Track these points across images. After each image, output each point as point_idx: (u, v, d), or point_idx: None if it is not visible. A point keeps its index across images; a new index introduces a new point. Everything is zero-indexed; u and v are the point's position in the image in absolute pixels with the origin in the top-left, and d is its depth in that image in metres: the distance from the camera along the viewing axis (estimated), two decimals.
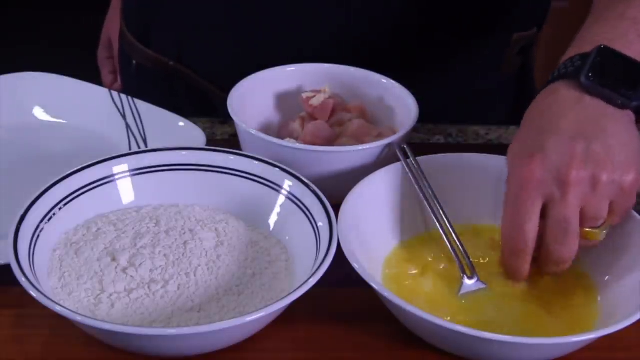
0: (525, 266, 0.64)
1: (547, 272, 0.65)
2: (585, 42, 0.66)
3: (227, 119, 0.87)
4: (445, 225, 0.68)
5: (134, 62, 1.01)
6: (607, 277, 0.67)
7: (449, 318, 0.62)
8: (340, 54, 0.85)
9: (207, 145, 0.78)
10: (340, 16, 0.87)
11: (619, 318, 0.59)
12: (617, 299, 0.64)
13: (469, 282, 0.65)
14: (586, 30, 0.69)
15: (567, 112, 0.63)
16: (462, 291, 0.65)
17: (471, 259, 0.67)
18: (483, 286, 0.66)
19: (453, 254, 0.66)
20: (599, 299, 0.66)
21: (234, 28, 0.91)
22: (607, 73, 0.63)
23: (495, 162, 0.71)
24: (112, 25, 1.12)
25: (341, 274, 0.61)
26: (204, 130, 0.82)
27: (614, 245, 0.67)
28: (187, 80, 0.96)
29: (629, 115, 0.64)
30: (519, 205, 0.62)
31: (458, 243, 0.67)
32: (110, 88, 0.91)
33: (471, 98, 0.95)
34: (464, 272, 0.66)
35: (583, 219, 0.62)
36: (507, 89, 1.01)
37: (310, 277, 0.59)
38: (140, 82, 1.01)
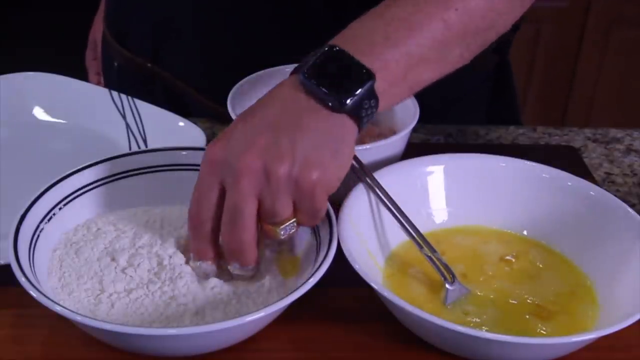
0: (205, 247, 0.63)
1: (229, 264, 0.63)
2: (341, 36, 0.64)
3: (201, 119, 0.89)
4: (418, 235, 0.67)
5: (116, 63, 1.01)
6: (606, 278, 0.67)
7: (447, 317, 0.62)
8: None
9: (207, 145, 0.78)
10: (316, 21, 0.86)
11: (619, 318, 0.59)
12: (617, 299, 0.64)
13: (451, 288, 0.65)
14: (355, 22, 0.65)
15: (276, 102, 0.62)
16: (449, 300, 0.65)
17: (447, 263, 0.66)
18: (466, 291, 0.65)
19: (430, 262, 0.66)
20: (599, 299, 0.66)
21: (203, 29, 0.91)
22: (327, 73, 0.61)
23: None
24: (98, 27, 1.12)
25: (341, 274, 0.61)
26: (204, 130, 0.82)
27: (613, 245, 0.67)
28: (164, 81, 0.96)
29: (341, 120, 0.61)
30: (198, 185, 0.62)
31: (430, 251, 0.66)
32: None
33: (444, 100, 0.93)
34: (445, 278, 0.65)
35: (263, 214, 0.61)
36: (484, 89, 0.99)
37: (310, 277, 0.59)
38: (121, 83, 1.01)
